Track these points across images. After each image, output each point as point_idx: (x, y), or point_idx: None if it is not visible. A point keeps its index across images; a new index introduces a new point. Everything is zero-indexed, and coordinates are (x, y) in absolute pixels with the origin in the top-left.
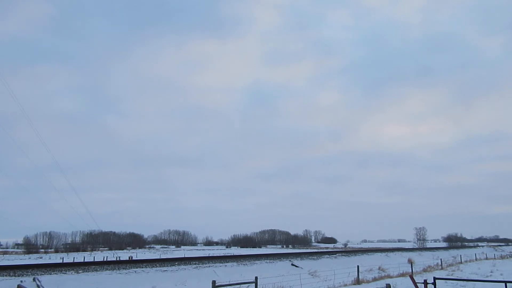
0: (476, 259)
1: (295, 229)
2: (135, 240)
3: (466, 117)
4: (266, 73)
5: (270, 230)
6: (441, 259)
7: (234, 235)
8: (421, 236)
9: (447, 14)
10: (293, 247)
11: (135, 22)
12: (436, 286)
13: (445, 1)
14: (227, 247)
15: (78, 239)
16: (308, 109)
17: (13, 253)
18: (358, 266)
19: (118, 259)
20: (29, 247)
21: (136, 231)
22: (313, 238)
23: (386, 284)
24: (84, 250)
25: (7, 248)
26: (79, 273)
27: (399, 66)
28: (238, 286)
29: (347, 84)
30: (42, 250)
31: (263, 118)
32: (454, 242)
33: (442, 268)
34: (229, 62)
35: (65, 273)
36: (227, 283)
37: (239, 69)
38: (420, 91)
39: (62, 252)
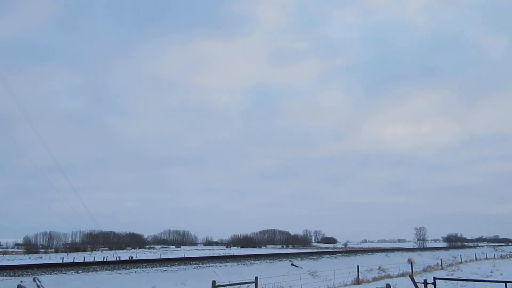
0: (476, 259)
1: (295, 229)
2: (135, 240)
3: (469, 117)
4: (270, 73)
5: (270, 230)
6: (441, 259)
7: (234, 235)
8: (421, 236)
9: (451, 14)
10: (293, 247)
11: (137, 20)
12: (436, 286)
13: (449, 1)
14: (227, 247)
15: (78, 239)
16: (311, 109)
17: (13, 253)
18: (358, 266)
19: (118, 259)
20: (29, 247)
21: (136, 231)
22: (313, 238)
23: (386, 284)
24: (84, 250)
25: (7, 248)
26: (79, 273)
27: (403, 65)
28: (238, 286)
29: (350, 83)
30: (42, 250)
31: (265, 118)
32: (454, 242)
33: (442, 268)
34: (232, 61)
35: (65, 273)
36: (227, 283)
37: (242, 69)
38: (423, 90)
39: (62, 252)
